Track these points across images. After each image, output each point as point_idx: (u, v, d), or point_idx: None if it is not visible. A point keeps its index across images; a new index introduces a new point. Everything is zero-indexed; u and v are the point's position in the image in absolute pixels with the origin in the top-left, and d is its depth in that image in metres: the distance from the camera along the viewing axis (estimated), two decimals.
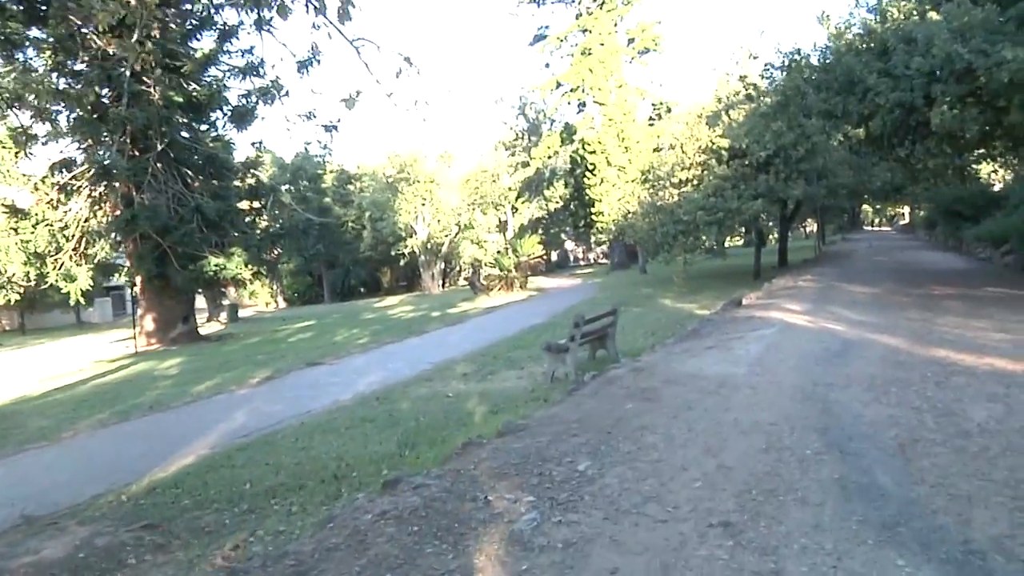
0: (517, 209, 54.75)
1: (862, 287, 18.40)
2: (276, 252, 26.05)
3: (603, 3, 45.38)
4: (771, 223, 35.10)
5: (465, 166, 50.55)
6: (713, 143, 24.17)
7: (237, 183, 25.74)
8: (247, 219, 26.04)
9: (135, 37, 21.73)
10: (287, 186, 54.35)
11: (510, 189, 52.69)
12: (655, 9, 59.38)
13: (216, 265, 22.94)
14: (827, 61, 17.56)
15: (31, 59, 22.57)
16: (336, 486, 6.92)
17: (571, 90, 47.84)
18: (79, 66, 22.47)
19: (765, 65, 21.39)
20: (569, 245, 77.21)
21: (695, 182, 24.84)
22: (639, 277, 36.05)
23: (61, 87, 22.82)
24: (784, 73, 19.45)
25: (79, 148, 24.17)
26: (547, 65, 49.95)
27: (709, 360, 9.09)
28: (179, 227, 22.48)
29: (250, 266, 23.88)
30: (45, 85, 22.17)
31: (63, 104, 23.48)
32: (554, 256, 74.65)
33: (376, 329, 22.84)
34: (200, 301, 39.04)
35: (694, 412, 6.57)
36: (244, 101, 25.12)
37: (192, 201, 23.28)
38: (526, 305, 27.12)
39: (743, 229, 38.90)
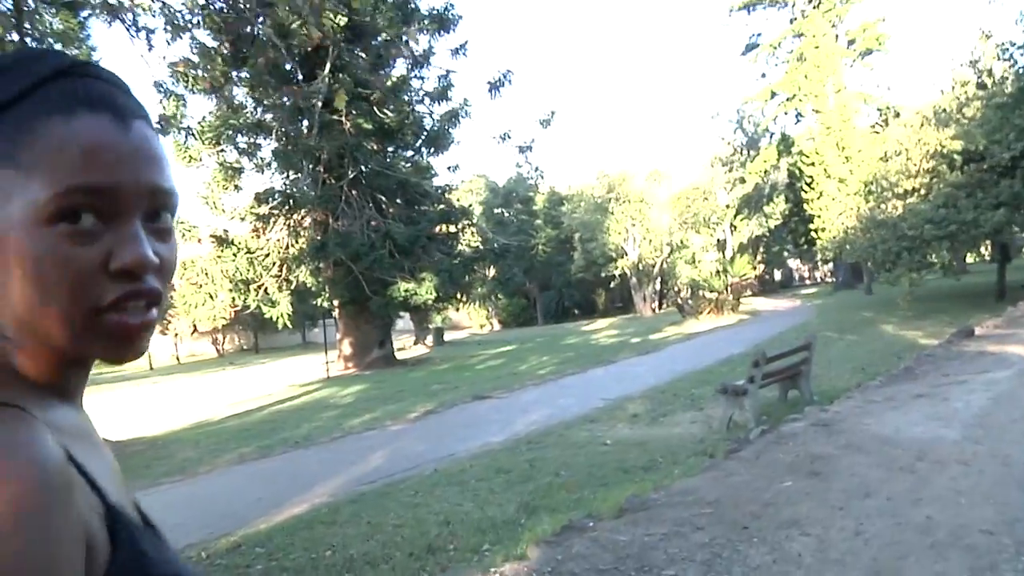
0: (736, 227, 52.18)
1: None
2: (473, 276, 25.41)
3: (819, 4, 42.37)
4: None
5: (678, 184, 48.67)
6: (943, 146, 21.28)
7: (428, 208, 25.41)
8: (443, 243, 25.68)
9: (327, 68, 22.06)
10: (499, 209, 54.57)
11: (728, 206, 50.25)
12: (878, 6, 54.92)
13: (406, 291, 22.58)
14: None
15: (235, 96, 23.34)
16: (423, 563, 5.77)
17: (787, 99, 45.07)
18: (275, 100, 22.87)
19: (1001, 44, 18.12)
20: (793, 263, 73.27)
21: (922, 192, 22.03)
22: (863, 299, 32.92)
23: (258, 121, 23.49)
24: None
25: (282, 180, 24.87)
26: (763, 75, 47.40)
27: (914, 415, 7.19)
28: (370, 253, 22.31)
29: (441, 291, 23.37)
30: (245, 119, 22.95)
31: (263, 137, 24.25)
32: (777, 275, 71.06)
33: (567, 357, 21.68)
34: (408, 324, 39.72)
35: (871, 502, 4.84)
36: (435, 126, 24.83)
37: (384, 227, 23.12)
38: (732, 331, 25.10)
39: (988, 243, 34.79)
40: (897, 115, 38.57)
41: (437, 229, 25.85)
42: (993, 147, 19.87)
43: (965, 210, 20.04)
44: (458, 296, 25.44)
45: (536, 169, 55.00)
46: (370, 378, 21.58)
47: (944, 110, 23.04)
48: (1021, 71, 16.96)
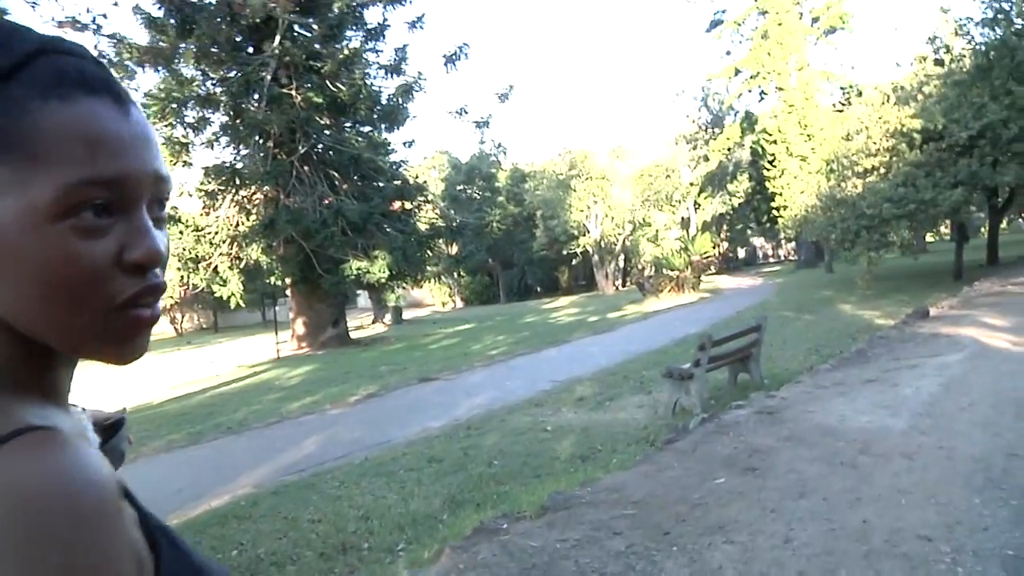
0: (700, 205, 52.03)
1: None
2: (427, 254, 24.86)
3: None
4: (983, 215, 30.98)
5: (641, 161, 48.31)
6: (903, 125, 21.02)
7: (383, 184, 24.83)
8: (399, 220, 25.07)
9: (276, 40, 21.40)
10: (462, 186, 54.01)
11: (692, 184, 50.08)
12: None
13: (358, 269, 22.04)
14: None
15: (181, 68, 22.66)
16: (332, 564, 5.38)
17: (751, 77, 44.91)
18: (222, 73, 22.21)
19: (958, 20, 17.72)
20: (758, 241, 73.41)
21: (882, 171, 21.80)
22: (824, 277, 32.82)
23: (208, 95, 22.82)
24: (987, 28, 16.09)
25: (232, 155, 24.24)
26: (728, 53, 47.28)
27: (862, 402, 6.84)
28: (321, 230, 21.71)
29: (394, 269, 22.85)
30: (191, 91, 22.25)
31: (212, 111, 23.57)
32: (741, 253, 71.15)
33: (522, 336, 21.26)
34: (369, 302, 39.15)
35: (806, 503, 4.47)
36: (390, 100, 24.24)
37: (336, 204, 22.56)
38: (692, 309, 24.82)
39: (947, 223, 34.74)
40: (860, 94, 38.43)
41: (394, 206, 25.31)
42: (952, 126, 19.66)
43: (923, 189, 19.84)
44: (413, 274, 24.88)
45: (499, 146, 54.39)
46: (321, 358, 21.07)
47: (903, 88, 22.80)
48: (979, 48, 16.62)
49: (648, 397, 10.22)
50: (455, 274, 56.29)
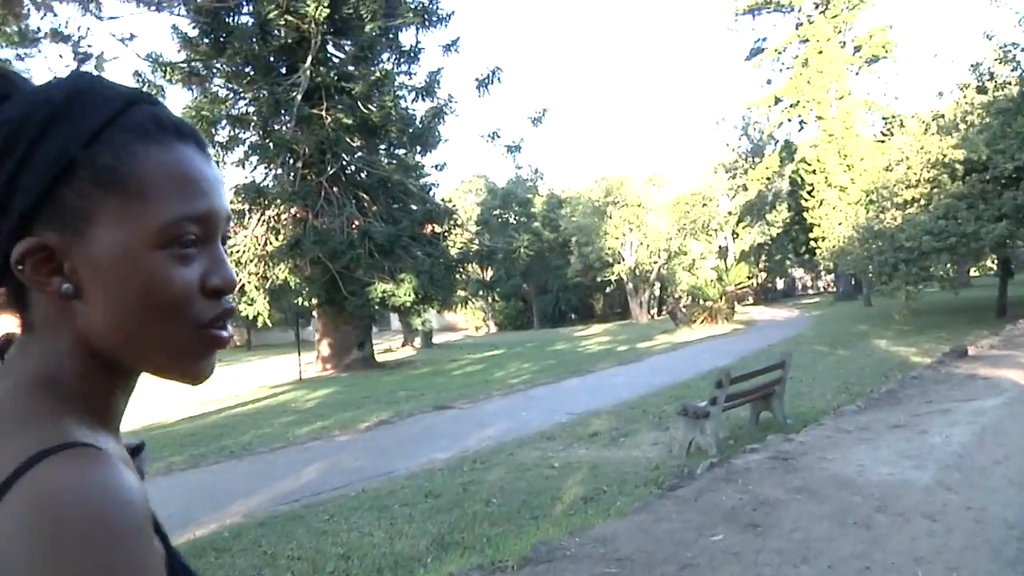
0: (737, 234, 51.30)
1: None
2: (455, 278, 24.52)
3: (825, 9, 41.51)
4: None
5: (678, 189, 47.71)
6: (944, 155, 20.34)
7: (413, 207, 24.58)
8: (428, 244, 24.74)
9: (308, 60, 21.33)
10: (498, 211, 53.82)
11: (730, 213, 49.40)
12: (886, 12, 53.68)
13: (384, 291, 21.75)
14: None
15: (214, 88, 22.73)
16: None
17: (791, 106, 44.23)
18: (255, 92, 22.13)
19: (1003, 46, 16.99)
20: (797, 272, 72.35)
21: (922, 202, 21.12)
22: (861, 311, 32.00)
23: (238, 115, 22.84)
24: None
25: (263, 174, 24.21)
26: (769, 82, 46.64)
27: (884, 451, 6.30)
28: (348, 252, 21.46)
29: (420, 293, 22.51)
30: (220, 111, 22.23)
31: (243, 130, 23.58)
32: (780, 284, 70.14)
33: (547, 364, 20.81)
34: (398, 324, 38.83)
35: (808, 570, 3.97)
36: (420, 122, 24.02)
37: (364, 226, 22.34)
38: (723, 341, 24.23)
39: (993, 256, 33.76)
40: (902, 124, 37.67)
41: (425, 229, 25.03)
42: (996, 157, 19.01)
43: (965, 222, 19.16)
44: (440, 299, 24.53)
45: (535, 171, 54.28)
46: (343, 381, 20.77)
47: (944, 116, 22.16)
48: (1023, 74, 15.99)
49: (665, 434, 9.75)
50: (489, 299, 56.09)
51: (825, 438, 7.11)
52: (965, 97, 21.77)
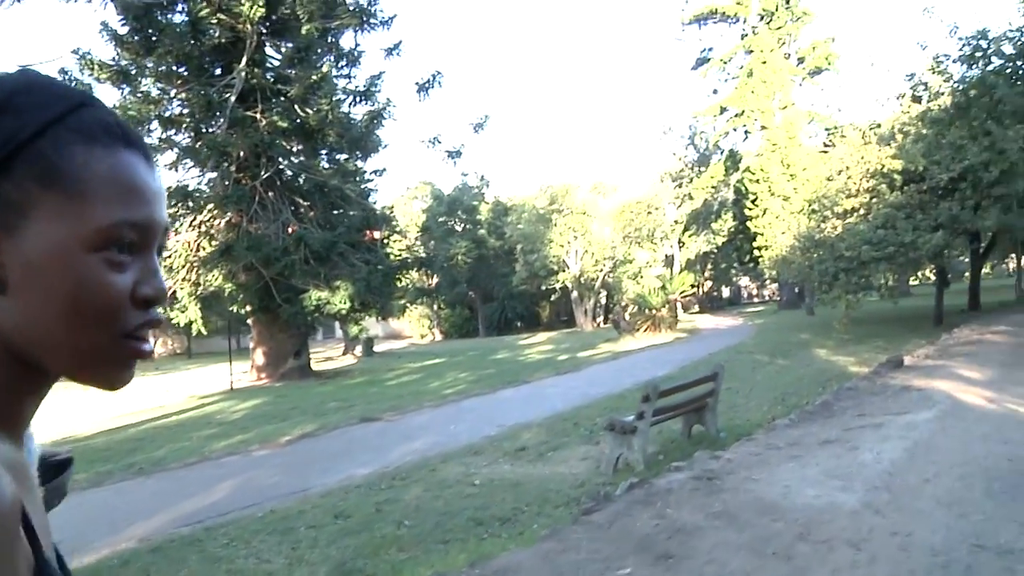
0: (684, 243, 51.44)
1: None
2: (392, 285, 23.96)
3: (770, 20, 41.77)
4: (966, 259, 30.42)
5: (623, 198, 47.62)
6: (883, 165, 20.35)
7: (352, 213, 24.01)
8: (367, 251, 24.13)
9: (243, 61, 20.71)
10: (443, 217, 53.40)
11: (676, 222, 49.54)
12: (830, 26, 54.46)
13: (319, 299, 21.17)
14: None
15: (144, 87, 21.99)
16: None
17: (736, 115, 44.43)
18: (186, 94, 21.39)
19: (936, 56, 16.93)
20: (744, 281, 72.93)
21: (862, 212, 21.11)
22: (804, 319, 32.10)
23: (170, 116, 22.16)
24: (965, 65, 15.40)
25: (196, 178, 23.51)
26: (715, 92, 46.83)
27: (813, 470, 5.98)
28: (281, 258, 20.83)
29: (356, 301, 21.95)
30: (150, 111, 21.49)
31: (175, 132, 22.89)
32: (726, 292, 70.61)
33: (485, 374, 20.36)
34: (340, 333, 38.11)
35: None
36: (359, 127, 23.50)
37: (300, 231, 21.75)
38: (665, 350, 24.00)
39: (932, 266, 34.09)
40: (843, 135, 37.95)
41: (369, 236, 24.45)
42: (932, 167, 19.05)
43: (903, 231, 19.16)
44: (377, 306, 23.99)
45: (482, 178, 53.88)
46: (275, 391, 20.16)
47: (881, 127, 22.22)
48: (956, 86, 15.91)
49: (595, 448, 9.39)
50: (435, 307, 55.66)
51: (754, 455, 6.79)
52: (903, 108, 21.82)
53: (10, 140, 0.67)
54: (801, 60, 43.26)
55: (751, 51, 42.48)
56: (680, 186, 51.05)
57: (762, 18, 42.40)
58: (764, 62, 40.91)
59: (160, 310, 0.75)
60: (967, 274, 37.79)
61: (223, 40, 21.31)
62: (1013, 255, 42.32)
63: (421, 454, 10.14)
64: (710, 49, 46.28)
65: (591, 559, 4.39)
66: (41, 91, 0.70)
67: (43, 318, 0.67)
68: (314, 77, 22.18)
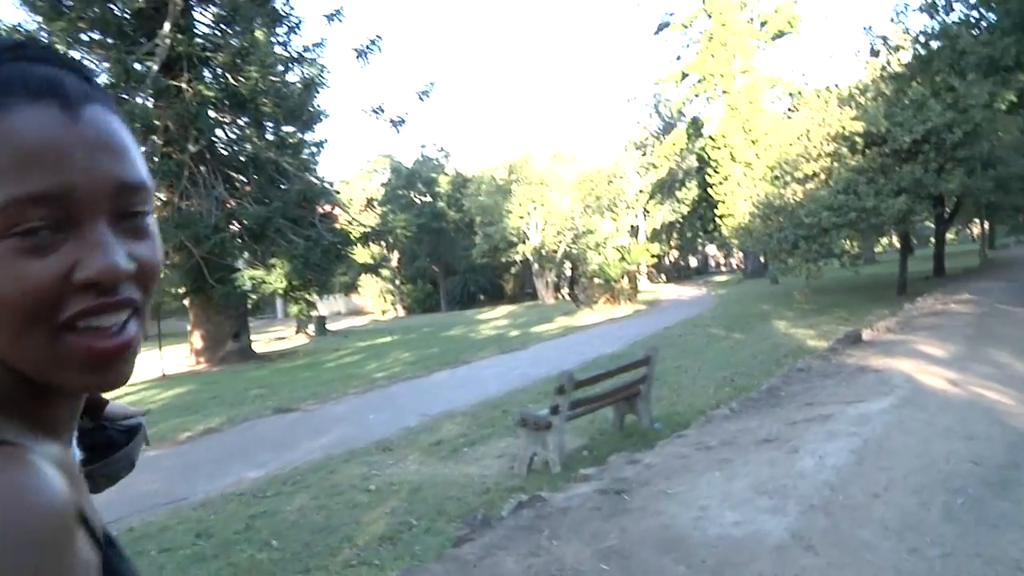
0: (649, 212, 50.52)
1: None
2: (334, 262, 22.67)
3: None
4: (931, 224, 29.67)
5: (584, 167, 46.52)
6: (844, 128, 19.35)
7: (287, 187, 22.65)
8: (308, 226, 22.76)
9: (166, 27, 19.29)
10: (403, 191, 52.37)
11: (641, 191, 48.57)
12: None
13: (252, 278, 19.93)
14: None
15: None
16: None
17: (698, 81, 43.33)
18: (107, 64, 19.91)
19: (896, 6, 15.83)
20: (711, 250, 72.28)
21: (823, 177, 20.14)
22: (768, 289, 31.16)
23: None
24: (926, 14, 14.33)
25: None
26: (678, 58, 45.64)
27: (740, 482, 4.92)
28: (212, 236, 19.51)
29: (294, 279, 20.73)
30: None
31: None
32: (693, 262, 69.95)
33: (429, 354, 19.24)
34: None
35: None
36: (293, 96, 22.16)
37: (232, 207, 20.50)
38: (620, 324, 22.97)
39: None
40: (805, 100, 36.99)
41: (318, 209, 23.13)
42: (895, 129, 18.09)
43: (865, 196, 18.26)
44: (319, 284, 22.79)
45: (441, 150, 52.62)
46: (206, 377, 19.02)
47: (843, 87, 21.23)
48: (918, 37, 14.86)
49: (517, 442, 8.32)
50: (396, 282, 54.73)
51: (679, 458, 5.74)
52: (865, 65, 20.76)
53: None
54: (764, 24, 42.23)
55: (712, 15, 41.36)
56: (645, 155, 50.09)
57: None
58: (723, 24, 39.87)
59: (130, 288, 0.63)
60: (933, 239, 37.14)
61: (145, 4, 19.86)
62: (977, 220, 41.72)
63: (327, 451, 9.08)
64: (671, 14, 45.13)
65: None
66: None
67: None
68: (243, 43, 20.81)
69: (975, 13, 12.68)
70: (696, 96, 45.49)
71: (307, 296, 23.02)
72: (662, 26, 45.34)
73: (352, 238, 23.62)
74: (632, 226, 49.70)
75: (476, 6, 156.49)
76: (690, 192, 48.27)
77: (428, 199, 52.81)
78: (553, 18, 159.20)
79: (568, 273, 48.49)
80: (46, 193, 0.58)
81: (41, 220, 0.58)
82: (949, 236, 46.63)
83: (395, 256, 53.18)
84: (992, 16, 12.25)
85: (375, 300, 57.71)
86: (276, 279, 20.18)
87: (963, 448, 5.37)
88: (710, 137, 41.24)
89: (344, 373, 16.84)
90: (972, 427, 5.94)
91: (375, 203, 29.55)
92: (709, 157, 40.70)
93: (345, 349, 23.75)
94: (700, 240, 62.03)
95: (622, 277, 31.48)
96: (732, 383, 10.58)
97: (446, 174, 54.55)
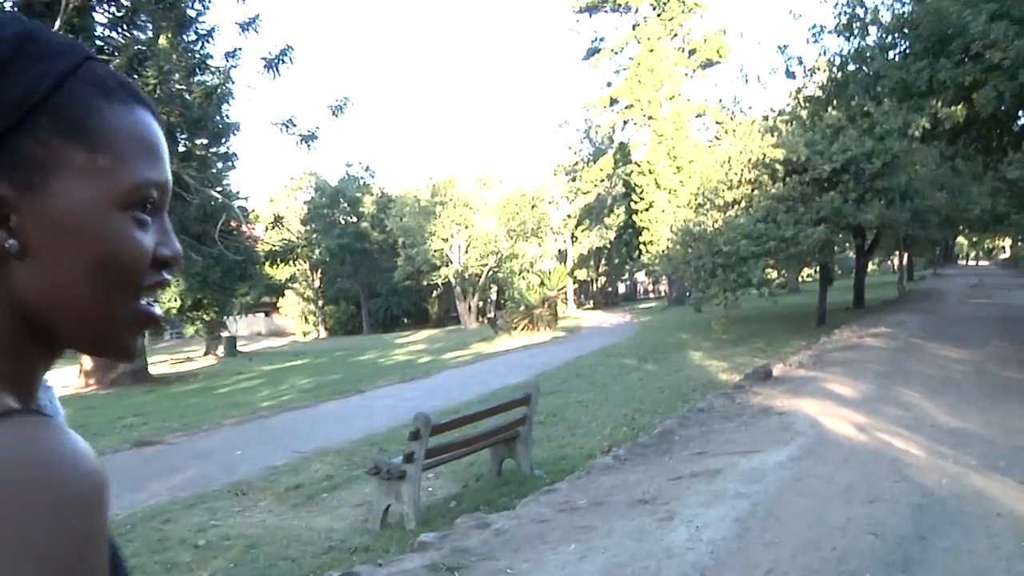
0: (576, 238, 50.08)
1: (955, 349, 13.11)
2: (236, 281, 21.45)
3: (661, 12, 40.52)
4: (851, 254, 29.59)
5: (509, 191, 45.82)
6: (765, 155, 18.83)
7: (188, 201, 21.36)
8: (211, 243, 21.47)
9: (56, 25, 17.94)
10: (327, 210, 51.31)
11: (569, 216, 48.09)
12: (722, 18, 53.65)
13: None
14: (906, 10, 12.08)
15: None
16: None
17: (627, 107, 43.00)
18: None
19: (812, 27, 15.22)
20: (640, 276, 72.09)
21: (743, 204, 19.60)
22: (690, 317, 30.60)
23: None
24: (841, 36, 13.81)
25: None
26: (608, 84, 45.26)
27: (596, 560, 4.01)
28: None
29: (189, 299, 19.48)
30: None
31: None
32: (622, 288, 69.65)
33: (328, 380, 18.18)
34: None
35: None
36: (195, 106, 20.90)
37: None
38: (534, 352, 22.10)
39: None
40: (728, 130, 36.78)
41: (232, 227, 21.84)
42: (815, 158, 17.65)
43: (785, 225, 17.73)
44: (218, 304, 21.51)
45: (367, 169, 51.48)
46: (87, 401, 17.72)
47: (767, 116, 20.79)
48: (834, 59, 14.34)
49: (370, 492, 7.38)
50: (318, 303, 53.63)
51: (537, 522, 4.85)
52: (790, 95, 20.30)
53: (32, 91, 0.59)
54: (692, 52, 42.14)
55: (641, 41, 41.15)
56: (574, 180, 49.65)
57: (654, 8, 41.08)
58: (651, 50, 39.59)
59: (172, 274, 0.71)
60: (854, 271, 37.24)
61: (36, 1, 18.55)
62: (897, 252, 42.09)
63: (174, 493, 8.04)
64: (602, 39, 44.81)
65: None
66: (47, 40, 0.62)
67: (68, 281, 0.61)
68: (140, 48, 19.54)
69: (890, 38, 12.20)
70: (625, 122, 45.22)
71: (203, 316, 21.71)
72: (592, 51, 45.03)
73: (258, 256, 22.39)
74: (560, 251, 49.16)
75: (407, 28, 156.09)
76: (618, 218, 47.91)
77: (352, 219, 51.69)
78: (486, 40, 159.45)
79: (494, 297, 47.74)
80: (161, 182, 0.66)
81: (151, 203, 0.65)
82: (871, 267, 47.02)
83: (317, 276, 51.96)
84: (904, 42, 11.81)
85: (297, 321, 56.41)
86: (170, 298, 18.94)
87: (863, 514, 4.59)
88: (636, 163, 40.91)
89: (230, 400, 15.69)
90: (876, 486, 5.18)
91: (283, 221, 28.28)
92: (635, 184, 40.30)
93: (247, 373, 22.50)
94: (628, 266, 61.78)
95: (542, 303, 30.71)
96: (632, 422, 9.77)
97: (371, 194, 53.56)
